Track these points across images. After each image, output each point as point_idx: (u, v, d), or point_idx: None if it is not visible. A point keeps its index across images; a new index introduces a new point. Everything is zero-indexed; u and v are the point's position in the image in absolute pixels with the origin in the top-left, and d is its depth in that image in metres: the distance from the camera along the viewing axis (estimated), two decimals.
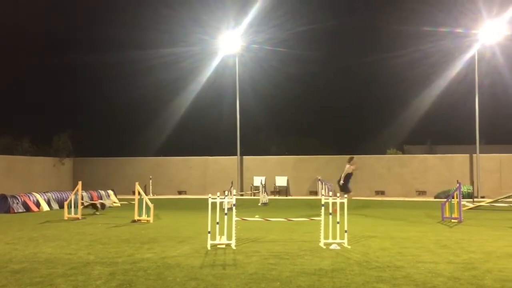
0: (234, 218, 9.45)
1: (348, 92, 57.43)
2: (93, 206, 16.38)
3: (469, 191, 23.55)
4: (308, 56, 43.53)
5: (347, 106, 57.13)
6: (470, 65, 26.45)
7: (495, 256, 8.23)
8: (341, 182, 16.32)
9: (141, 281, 6.46)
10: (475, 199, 22.20)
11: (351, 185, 16.86)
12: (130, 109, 48.95)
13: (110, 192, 21.76)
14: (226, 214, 9.33)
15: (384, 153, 34.10)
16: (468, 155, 25.80)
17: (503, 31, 24.34)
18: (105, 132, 45.08)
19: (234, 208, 9.78)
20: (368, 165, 26.63)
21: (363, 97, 54.70)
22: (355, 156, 18.40)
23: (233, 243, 9.22)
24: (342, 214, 9.33)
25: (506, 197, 18.73)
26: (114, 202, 20.13)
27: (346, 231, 9.32)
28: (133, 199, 14.52)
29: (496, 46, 25.87)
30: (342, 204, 9.48)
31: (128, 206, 18.42)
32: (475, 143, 25.55)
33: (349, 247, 9.08)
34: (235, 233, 9.40)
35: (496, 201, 18.89)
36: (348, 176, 16.42)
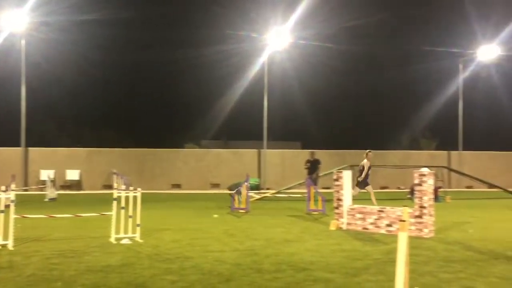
0: (12, 216, 8.48)
1: (150, 87, 57.00)
2: None
3: (257, 183, 25.63)
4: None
5: (148, 100, 56.60)
6: (263, 68, 28.70)
7: (274, 242, 9.09)
8: (361, 178, 15.34)
9: None
10: (261, 191, 24.29)
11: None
12: None
13: None
14: (3, 211, 8.31)
15: (182, 147, 34.79)
16: (257, 150, 28.02)
17: (289, 38, 27.00)
18: None
19: (12, 204, 8.76)
20: (166, 159, 26.87)
21: (167, 93, 54.78)
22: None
23: (10, 243, 8.26)
24: (134, 208, 9.16)
25: (286, 189, 20.91)
26: None
27: (138, 225, 9.19)
28: None
29: (284, 52, 28.64)
30: (135, 198, 9.31)
31: None
32: (263, 139, 27.86)
33: (141, 241, 8.97)
34: (14, 233, 8.44)
35: (278, 192, 20.95)
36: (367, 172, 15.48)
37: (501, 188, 21.79)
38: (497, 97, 40.12)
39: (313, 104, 46.20)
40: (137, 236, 9.11)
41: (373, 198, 14.61)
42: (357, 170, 15.66)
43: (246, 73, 31.79)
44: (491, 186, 22.44)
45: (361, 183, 15.32)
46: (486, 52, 29.00)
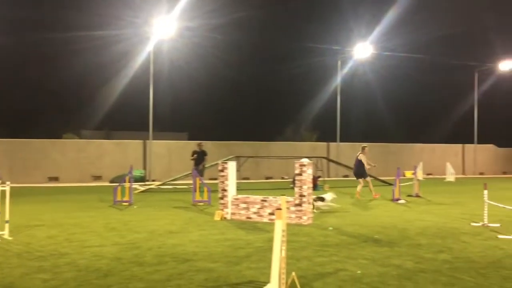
0: None
1: (24, 71, 52.41)
2: None
3: (142, 175, 24.97)
4: None
5: (22, 86, 51.99)
6: (149, 57, 27.84)
7: (157, 234, 8.92)
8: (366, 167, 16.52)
9: None
10: (147, 182, 23.72)
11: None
12: None
13: None
14: None
15: (59, 137, 32.64)
16: (142, 141, 27.26)
17: (176, 27, 26.51)
18: None
19: None
20: (41, 150, 25.03)
21: (45, 79, 50.62)
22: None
23: None
24: (3, 203, 8.40)
25: (172, 180, 20.66)
26: None
27: (7, 222, 8.45)
28: None
29: (171, 41, 28.10)
30: (3, 192, 8.52)
31: None
32: (149, 130, 27.14)
33: (10, 238, 8.26)
34: None
35: (164, 184, 20.62)
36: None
37: (373, 176, 23.64)
38: (372, 93, 43.48)
39: (201, 95, 46.21)
40: (6, 234, 8.38)
41: (371, 187, 16.55)
42: (353, 164, 17.60)
43: (131, 62, 30.72)
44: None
45: (364, 174, 16.69)
46: (361, 50, 31.14)
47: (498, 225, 9.88)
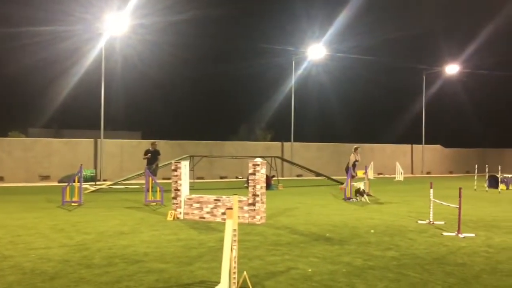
0: None
1: None
2: None
3: (93, 174, 24.33)
4: None
5: None
6: (101, 54, 27.14)
7: (107, 235, 8.72)
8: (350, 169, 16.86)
9: None
10: (97, 182, 23.13)
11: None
12: None
13: None
14: None
15: (5, 135, 31.30)
16: (93, 140, 26.56)
17: (128, 24, 25.98)
18: None
19: None
20: None
21: None
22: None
23: None
24: None
25: (124, 180, 20.25)
26: None
27: None
28: None
29: (124, 38, 27.52)
30: None
31: None
32: (100, 129, 26.49)
33: None
34: None
35: (115, 184, 20.18)
36: (354, 165, 17.55)
37: (326, 176, 24.08)
38: (325, 93, 44.22)
39: (155, 93, 45.55)
40: None
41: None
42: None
43: (82, 59, 29.86)
44: (318, 174, 24.66)
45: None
46: (315, 51, 31.61)
47: (443, 222, 10.28)
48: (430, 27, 47.26)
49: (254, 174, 10.43)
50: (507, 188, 20.12)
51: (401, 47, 47.32)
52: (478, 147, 38.10)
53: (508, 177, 20.79)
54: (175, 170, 11.19)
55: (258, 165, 10.44)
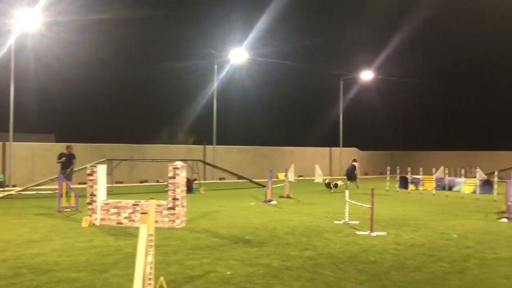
0: None
1: None
2: None
3: (0, 180, 22.76)
4: None
5: None
6: (9, 52, 25.46)
7: (15, 244, 8.18)
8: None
9: None
10: (6, 188, 21.66)
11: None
12: None
13: None
14: None
15: None
16: (0, 143, 24.86)
17: (42, 21, 24.61)
18: None
19: None
20: None
21: None
22: None
23: None
24: None
25: (36, 185, 19.14)
26: None
27: None
28: None
29: (37, 36, 26.01)
30: None
31: None
32: (9, 131, 24.86)
33: None
34: None
35: (26, 189, 19.02)
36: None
37: (247, 179, 24.28)
38: (247, 97, 44.67)
39: (72, 94, 43.50)
40: None
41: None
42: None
43: None
44: (240, 177, 24.79)
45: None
46: (237, 55, 31.80)
47: (357, 222, 10.73)
48: (347, 35, 49.35)
49: (174, 177, 10.28)
50: (416, 188, 21.42)
51: (320, 53, 49.00)
52: (390, 150, 40.26)
53: (417, 178, 22.13)
54: (91, 174, 10.75)
55: (178, 168, 10.31)
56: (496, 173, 19.64)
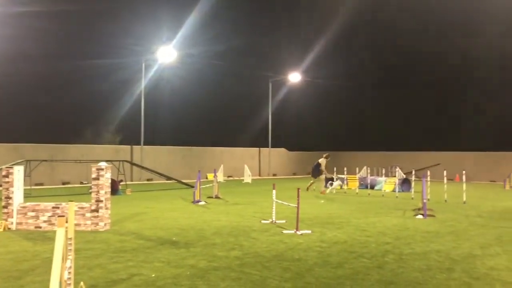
0: None
1: None
2: None
3: None
4: None
5: None
6: None
7: None
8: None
9: None
10: None
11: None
12: None
13: None
14: None
15: None
16: None
17: None
18: None
19: None
20: None
21: None
22: None
23: None
24: None
25: None
26: None
27: None
28: None
29: None
30: None
31: None
32: None
33: None
34: None
35: None
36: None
37: (176, 180, 23.98)
38: (177, 97, 44.05)
39: None
40: None
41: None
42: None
43: None
44: (168, 178, 24.42)
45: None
46: (166, 54, 31.27)
47: (284, 221, 10.93)
48: (277, 36, 50.10)
49: (98, 178, 9.94)
50: (341, 187, 22.18)
51: (250, 53, 49.30)
52: (318, 151, 41.45)
53: (342, 177, 22.92)
54: (7, 176, 10.13)
55: (103, 169, 9.99)
56: (413, 172, 20.84)
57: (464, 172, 18.07)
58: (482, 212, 13.44)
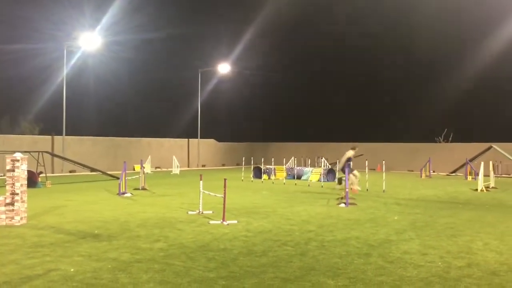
0: None
1: None
2: None
3: None
4: None
5: None
6: None
7: None
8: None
9: None
10: None
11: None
12: None
13: None
14: None
15: None
16: None
17: None
18: None
19: None
20: None
21: None
22: None
23: None
24: None
25: None
26: None
27: None
28: None
29: None
30: None
31: None
32: None
33: None
34: None
35: None
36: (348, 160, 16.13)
37: (100, 171, 23.19)
38: (102, 86, 42.48)
39: None
40: None
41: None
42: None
43: None
44: (93, 169, 23.55)
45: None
46: (89, 41, 29.92)
47: (211, 212, 10.92)
48: (207, 27, 49.71)
49: (13, 170, 9.39)
50: (269, 178, 22.53)
51: (179, 43, 48.50)
52: (247, 141, 41.69)
53: (270, 168, 23.28)
54: None
55: (18, 160, 9.44)
56: (337, 162, 21.58)
57: (384, 162, 18.94)
58: (399, 199, 14.20)
